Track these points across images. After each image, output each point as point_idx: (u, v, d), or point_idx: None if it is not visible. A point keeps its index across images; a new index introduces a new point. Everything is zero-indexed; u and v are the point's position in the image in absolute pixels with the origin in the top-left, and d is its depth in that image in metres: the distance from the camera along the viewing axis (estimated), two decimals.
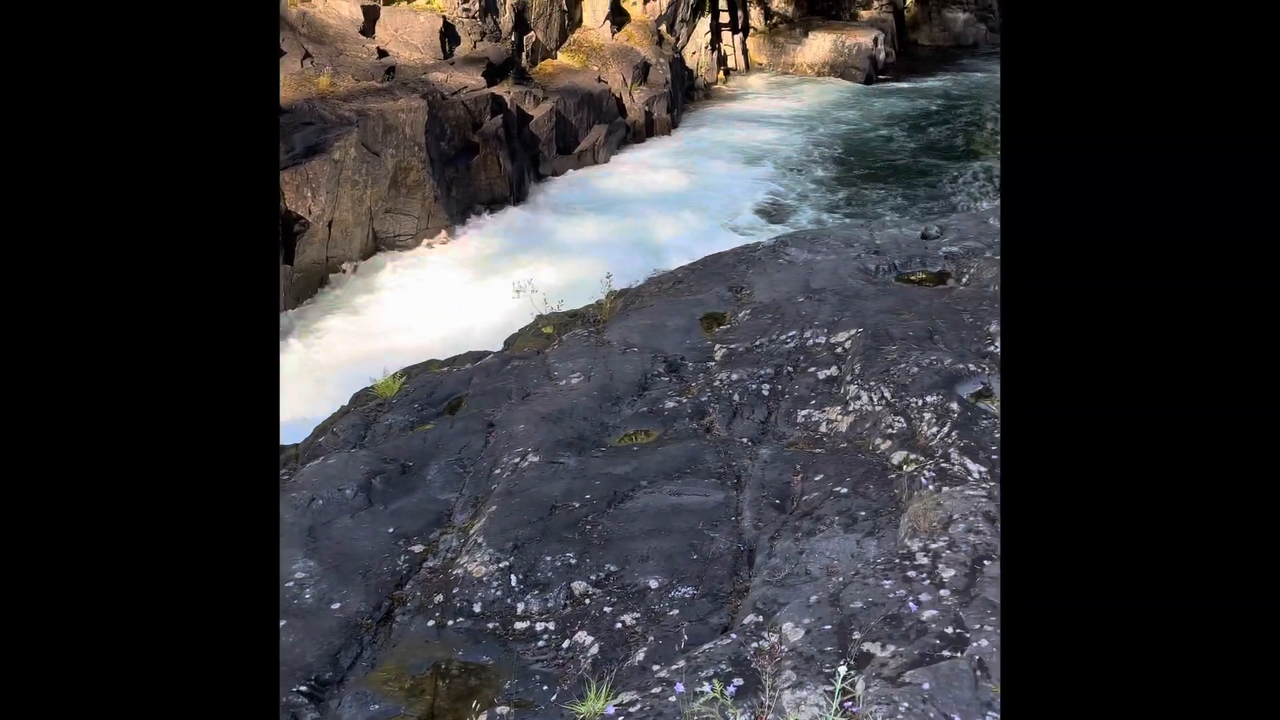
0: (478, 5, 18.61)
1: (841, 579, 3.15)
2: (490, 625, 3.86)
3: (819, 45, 24.18)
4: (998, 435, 4.62)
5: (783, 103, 21.85)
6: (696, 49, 23.49)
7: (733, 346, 6.28)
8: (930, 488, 3.59)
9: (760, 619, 3.31)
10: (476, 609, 3.95)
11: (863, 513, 4.11)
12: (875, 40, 24.26)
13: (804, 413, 5.37)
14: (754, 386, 5.66)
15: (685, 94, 22.28)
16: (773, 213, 15.06)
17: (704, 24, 23.69)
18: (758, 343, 6.26)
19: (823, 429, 5.21)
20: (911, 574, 2.92)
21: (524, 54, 19.57)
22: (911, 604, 2.73)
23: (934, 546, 3.04)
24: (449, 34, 18.27)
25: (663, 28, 22.20)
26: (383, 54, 17.22)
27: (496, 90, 17.52)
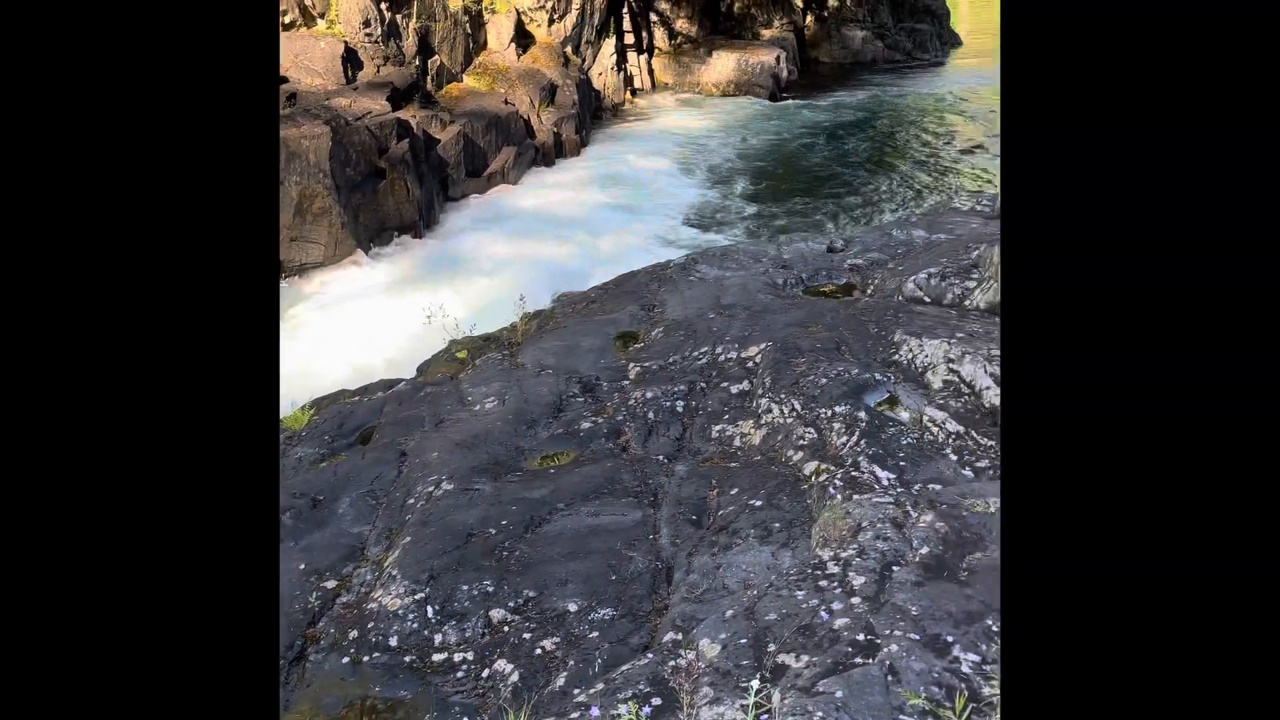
0: (380, 30, 18.42)
1: (756, 592, 3.18)
2: (407, 659, 3.78)
3: (723, 64, 24.57)
4: (905, 442, 4.74)
5: (690, 121, 22.12)
6: (603, 70, 23.65)
7: (646, 365, 6.31)
8: (839, 497, 3.65)
9: (679, 636, 3.32)
10: (393, 643, 3.87)
11: (777, 524, 4.16)
12: (778, 58, 24.75)
13: (718, 428, 5.42)
14: (668, 404, 5.69)
15: (593, 114, 22.38)
16: (684, 230, 15.21)
17: (609, 45, 23.88)
18: (671, 360, 6.30)
19: (737, 443, 5.27)
20: (823, 583, 2.97)
21: (429, 78, 19.42)
22: (824, 613, 2.77)
23: (844, 555, 3.09)
24: (351, 59, 18.03)
25: (568, 49, 22.29)
26: (283, 80, 16.90)
27: (402, 115, 17.33)
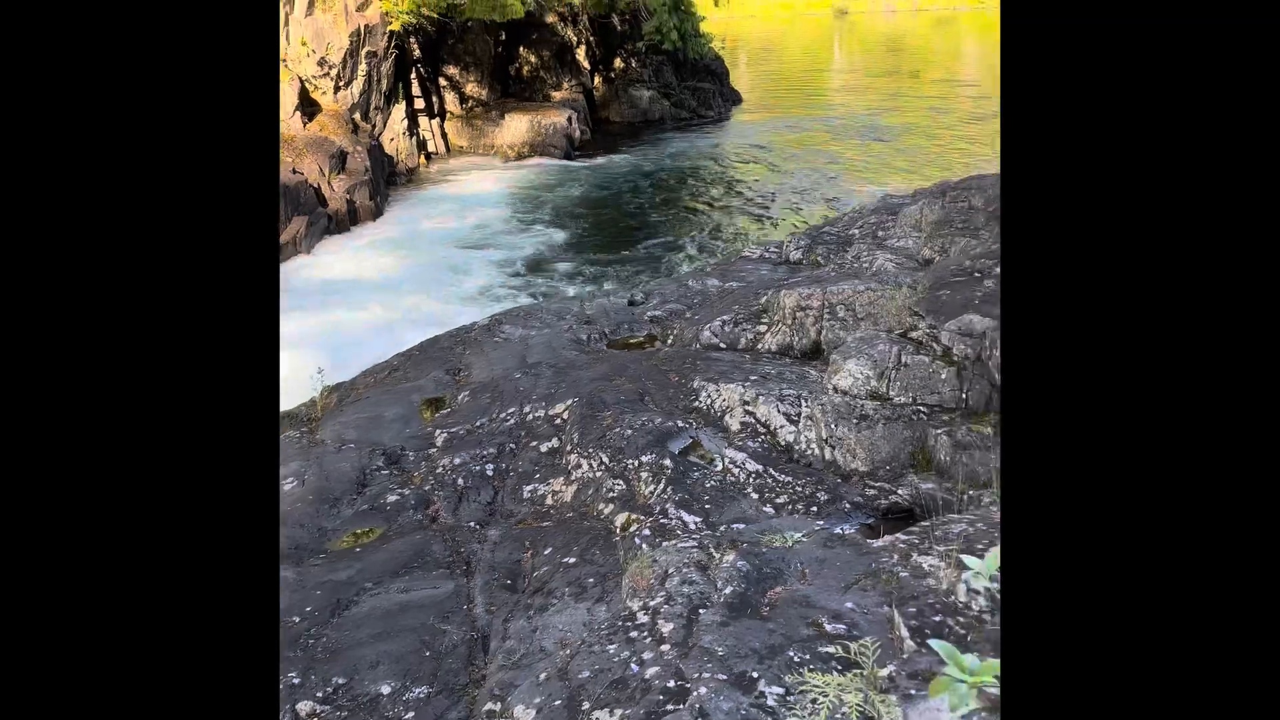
0: None
1: (570, 651, 3.18)
2: None
3: (516, 126, 24.86)
4: (709, 485, 4.88)
5: (487, 183, 22.19)
6: (395, 135, 23.39)
7: (454, 430, 6.22)
8: (645, 546, 3.72)
9: (497, 706, 3.26)
10: None
11: (591, 580, 4.18)
12: (569, 119, 25.31)
13: (529, 488, 5.41)
14: (478, 468, 5.63)
15: (388, 180, 22.05)
16: (487, 291, 15.18)
17: (400, 110, 23.68)
18: (479, 423, 6.24)
19: (549, 501, 5.27)
20: (634, 634, 3.00)
21: None
22: (634, 665, 2.80)
23: (653, 603, 3.14)
24: None
25: (356, 115, 21.94)
26: None
27: None
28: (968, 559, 2.12)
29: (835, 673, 2.53)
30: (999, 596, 2.93)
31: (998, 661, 1.83)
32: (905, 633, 2.83)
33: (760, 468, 5.05)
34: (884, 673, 2.51)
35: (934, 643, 1.81)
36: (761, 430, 5.46)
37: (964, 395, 5.18)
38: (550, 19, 27.27)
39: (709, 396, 5.87)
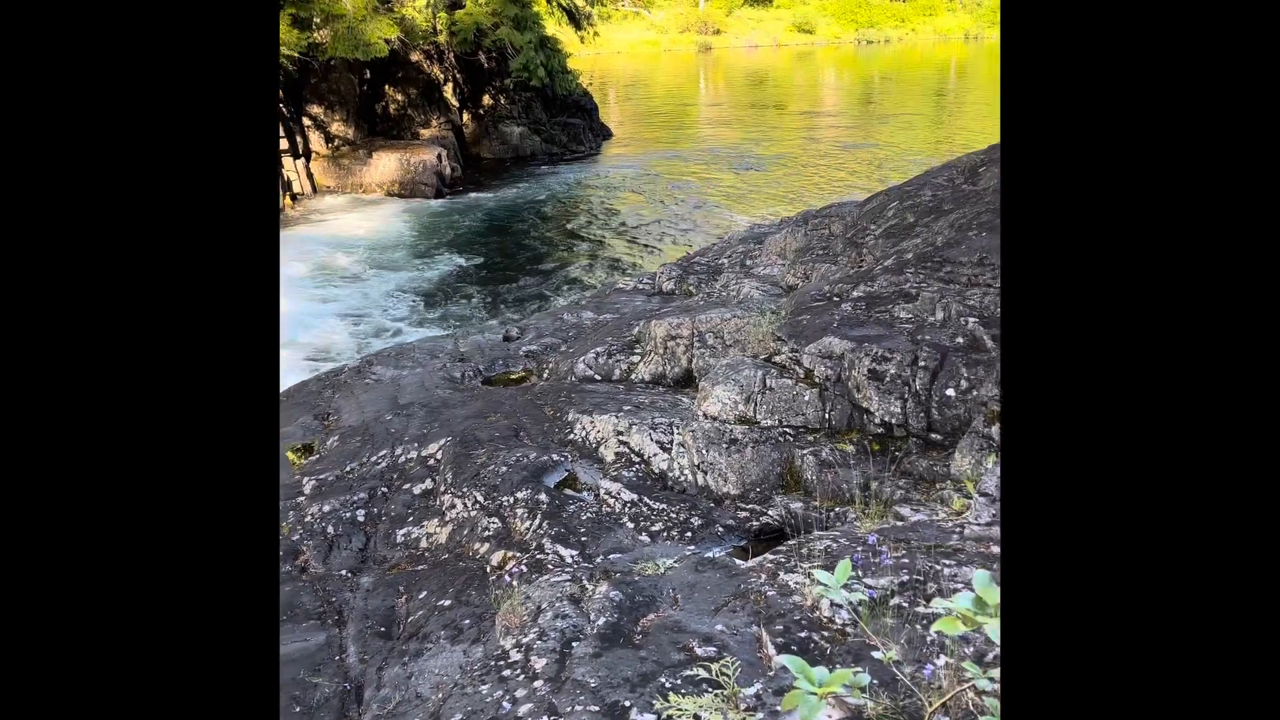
0: None
1: (443, 694, 3.13)
2: None
3: (385, 164, 24.51)
4: (585, 517, 4.90)
5: (356, 223, 21.77)
6: None
7: (322, 476, 6.05)
8: (517, 584, 3.70)
9: None
10: None
11: (467, 621, 4.12)
12: (439, 156, 25.11)
13: (403, 531, 5.30)
14: (348, 514, 5.49)
15: None
16: (357, 332, 14.85)
17: None
18: (349, 468, 6.10)
19: (424, 544, 5.18)
20: (506, 673, 2.98)
21: None
22: (506, 703, 2.78)
23: (525, 640, 3.13)
24: None
25: None
26: None
27: None
28: (819, 574, 2.19)
29: (704, 695, 2.57)
30: (860, 607, 3.03)
31: (847, 671, 1.90)
32: (772, 650, 2.90)
33: (635, 497, 5.09)
34: (750, 691, 2.57)
35: (783, 658, 1.87)
36: (636, 459, 5.51)
37: (826, 415, 5.36)
38: (415, 56, 27.09)
39: (584, 429, 5.89)
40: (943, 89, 43.81)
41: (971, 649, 2.77)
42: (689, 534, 4.80)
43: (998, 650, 1.93)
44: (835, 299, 6.30)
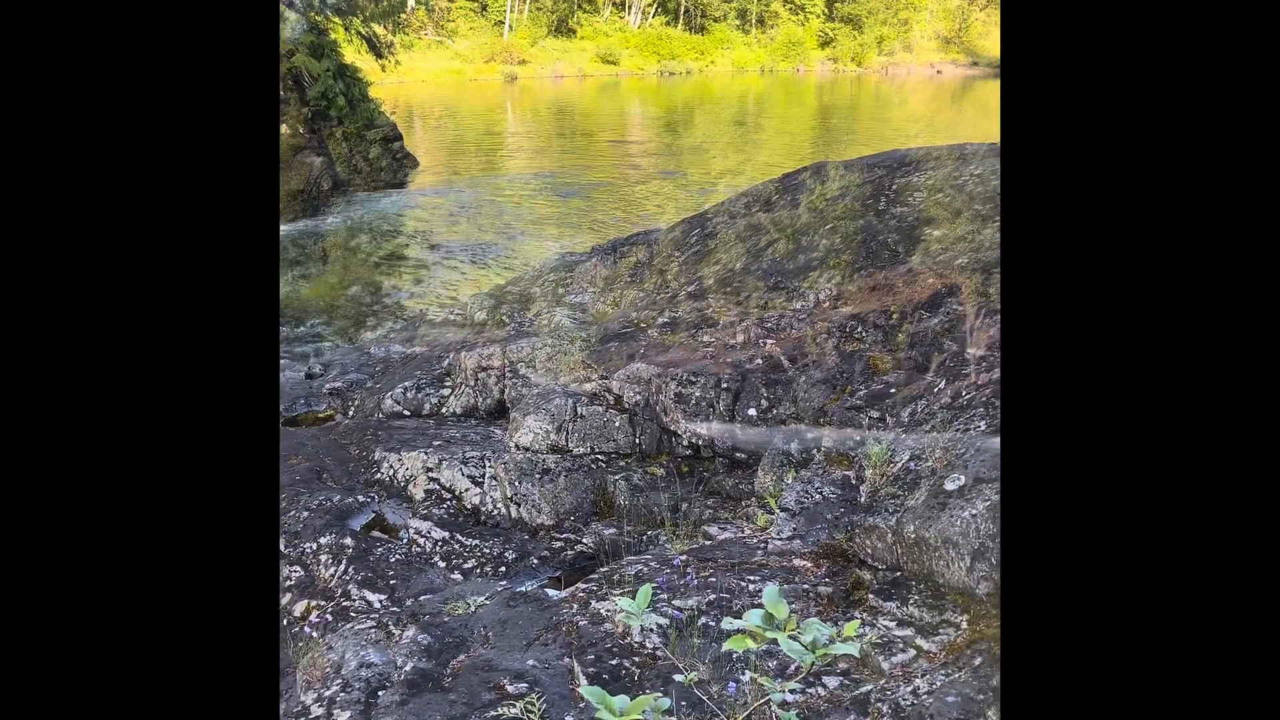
0: None
1: None
2: None
3: None
4: (394, 559, 4.74)
5: None
6: None
7: None
8: (319, 634, 3.54)
9: None
10: None
11: None
12: None
13: None
14: None
15: None
16: None
17: None
18: None
19: None
20: None
21: None
22: None
23: (328, 694, 2.99)
24: None
25: None
26: None
27: None
28: (623, 601, 2.20)
29: None
30: (669, 630, 3.07)
31: (649, 698, 1.92)
32: (584, 681, 2.89)
33: (447, 534, 4.98)
34: None
35: (584, 690, 1.86)
36: (447, 495, 5.39)
37: (637, 440, 5.43)
38: None
39: (391, 467, 5.72)
40: (742, 118, 45.74)
41: (775, 662, 2.86)
42: (503, 569, 4.73)
43: (798, 662, 1.99)
44: (642, 326, 6.42)
